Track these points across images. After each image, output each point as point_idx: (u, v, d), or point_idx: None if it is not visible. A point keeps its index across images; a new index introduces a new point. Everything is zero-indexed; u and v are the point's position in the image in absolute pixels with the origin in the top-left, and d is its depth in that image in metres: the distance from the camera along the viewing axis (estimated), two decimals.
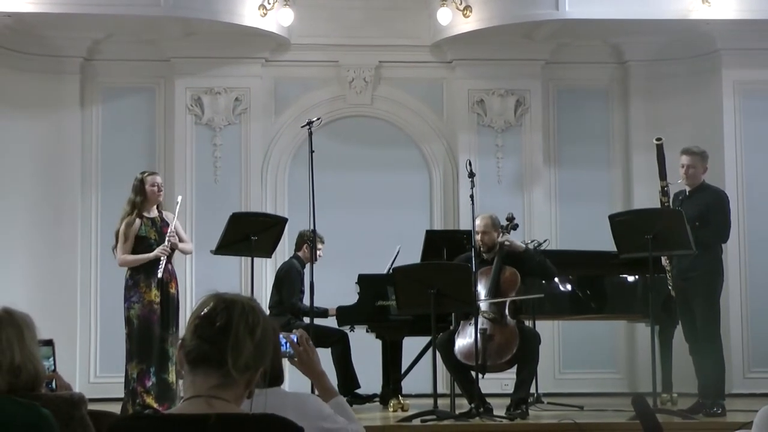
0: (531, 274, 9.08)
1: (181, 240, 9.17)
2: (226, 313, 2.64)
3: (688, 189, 8.78)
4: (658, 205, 8.77)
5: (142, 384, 8.63)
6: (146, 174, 9.22)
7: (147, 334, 8.79)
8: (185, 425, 2.64)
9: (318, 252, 9.84)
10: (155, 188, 9.11)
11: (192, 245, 9.52)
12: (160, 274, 8.85)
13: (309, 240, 9.98)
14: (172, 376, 8.67)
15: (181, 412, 2.66)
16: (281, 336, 3.77)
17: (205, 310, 2.66)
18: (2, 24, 11.27)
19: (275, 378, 3.65)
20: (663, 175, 8.85)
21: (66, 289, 11.73)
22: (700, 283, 8.59)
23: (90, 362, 11.78)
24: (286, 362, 3.99)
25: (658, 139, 8.98)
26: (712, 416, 8.19)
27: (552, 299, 9.70)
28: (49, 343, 4.43)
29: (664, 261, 8.79)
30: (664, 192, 8.78)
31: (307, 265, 9.58)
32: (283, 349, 3.83)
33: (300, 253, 10.26)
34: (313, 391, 4.89)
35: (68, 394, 3.85)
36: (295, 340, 3.94)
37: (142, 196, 9.05)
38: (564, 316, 10.40)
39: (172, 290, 8.98)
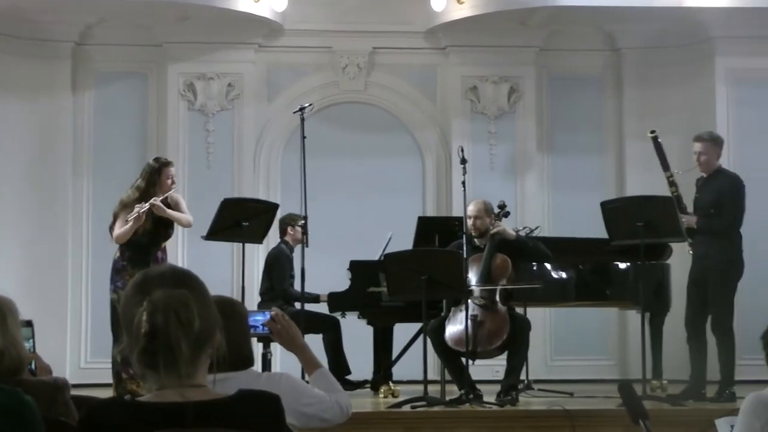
0: (527, 259, 9.09)
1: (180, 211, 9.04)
2: (157, 322, 2.62)
3: (704, 175, 8.80)
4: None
5: (125, 370, 8.58)
6: (163, 164, 9.01)
7: None
8: (163, 412, 2.64)
9: (298, 229, 9.81)
10: (170, 181, 8.99)
11: (191, 217, 9.16)
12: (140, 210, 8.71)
13: (290, 224, 10.03)
14: None
15: (157, 401, 2.67)
16: (258, 321, 3.79)
17: (136, 320, 2.65)
18: None
19: (244, 360, 3.69)
20: (666, 166, 8.87)
21: (56, 275, 11.70)
22: (715, 271, 8.60)
23: (80, 348, 11.77)
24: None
25: (652, 132, 8.98)
26: (727, 401, 8.21)
27: (543, 286, 9.69)
28: (28, 324, 4.42)
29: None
30: (671, 182, 8.80)
31: (298, 251, 9.54)
32: (259, 330, 3.86)
33: (287, 238, 10.25)
34: (303, 376, 4.89)
35: (51, 379, 3.85)
36: (269, 317, 3.98)
37: (153, 187, 8.93)
38: (555, 302, 10.38)
39: None
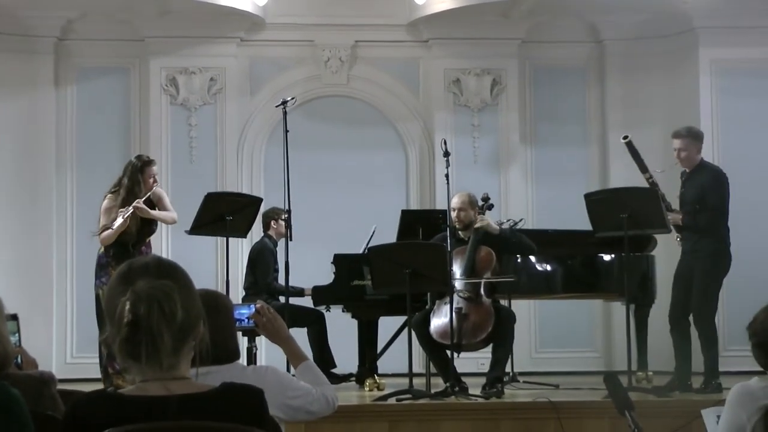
0: (511, 252, 9.09)
1: (164, 209, 9.03)
2: (139, 312, 2.62)
3: (687, 170, 8.78)
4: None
5: (111, 365, 8.55)
6: (145, 163, 9.01)
7: None
8: (147, 405, 2.64)
9: (282, 223, 9.78)
10: (152, 180, 8.98)
11: (174, 214, 9.19)
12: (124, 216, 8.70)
13: (274, 217, 10.00)
14: None
15: (142, 394, 2.65)
16: (243, 314, 3.77)
17: (118, 310, 2.64)
18: None
19: (229, 354, 3.68)
20: (644, 169, 8.85)
21: (41, 270, 11.66)
22: (702, 265, 8.57)
23: (66, 343, 11.74)
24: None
25: (625, 137, 8.97)
26: (713, 392, 8.21)
27: (528, 278, 9.69)
28: (14, 317, 4.39)
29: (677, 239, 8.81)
30: (652, 183, 8.77)
31: (281, 245, 9.51)
32: (245, 324, 3.84)
33: (270, 232, 10.22)
34: (289, 370, 4.88)
35: (38, 373, 3.83)
36: (254, 310, 3.97)
37: (138, 185, 8.90)
38: (540, 295, 10.39)
39: None
